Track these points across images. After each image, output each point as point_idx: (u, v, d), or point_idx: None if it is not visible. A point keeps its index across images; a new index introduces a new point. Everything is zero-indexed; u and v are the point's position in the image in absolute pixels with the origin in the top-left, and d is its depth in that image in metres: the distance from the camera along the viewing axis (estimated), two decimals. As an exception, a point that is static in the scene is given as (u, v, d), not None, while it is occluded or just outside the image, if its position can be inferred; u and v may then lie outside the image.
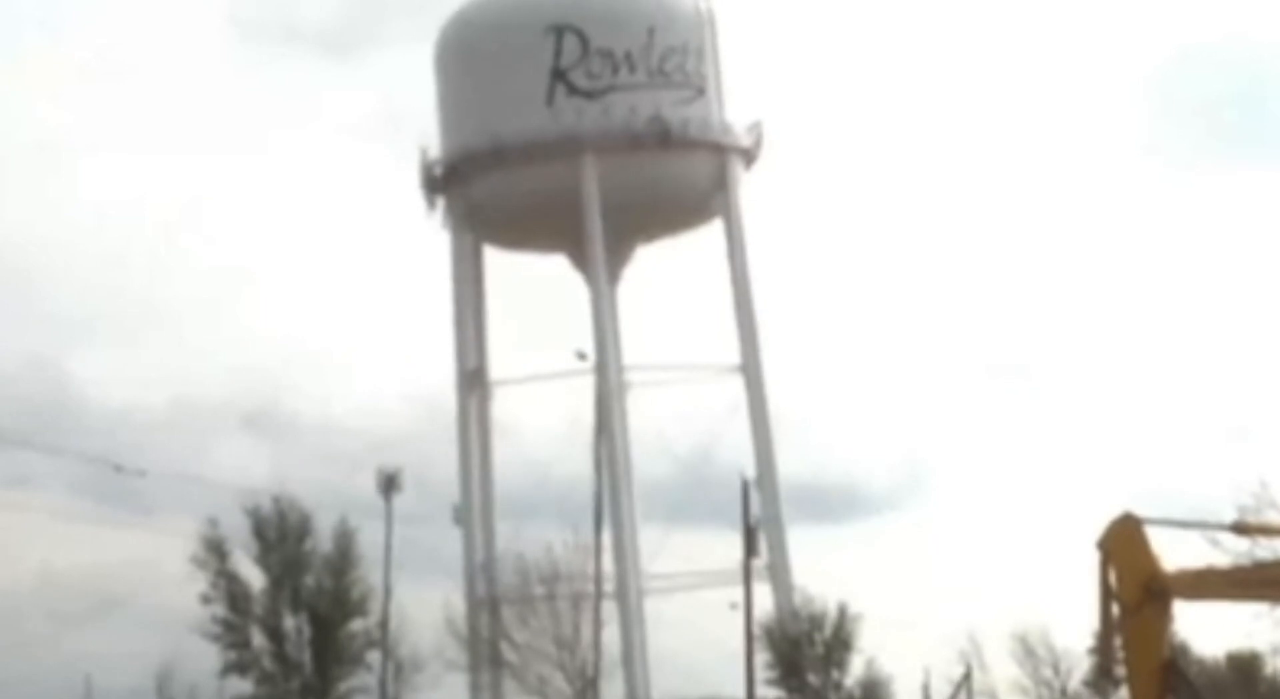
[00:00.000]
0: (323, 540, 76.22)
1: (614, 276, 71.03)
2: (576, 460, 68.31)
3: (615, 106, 70.62)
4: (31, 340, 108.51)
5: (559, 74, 70.60)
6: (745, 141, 73.21)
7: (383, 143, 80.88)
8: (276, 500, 75.38)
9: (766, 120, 73.30)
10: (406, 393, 74.21)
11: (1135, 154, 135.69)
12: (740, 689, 72.47)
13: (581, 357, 68.80)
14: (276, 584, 75.35)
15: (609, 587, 71.46)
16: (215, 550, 74.73)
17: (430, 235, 71.18)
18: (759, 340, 71.19)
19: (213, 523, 74.43)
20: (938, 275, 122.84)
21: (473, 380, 70.54)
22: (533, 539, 68.83)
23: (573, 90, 70.40)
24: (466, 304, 71.63)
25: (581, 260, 70.28)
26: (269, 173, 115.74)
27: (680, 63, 72.43)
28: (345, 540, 77.03)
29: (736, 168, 73.28)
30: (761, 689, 76.66)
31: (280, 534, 75.49)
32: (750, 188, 73.32)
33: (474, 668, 68.91)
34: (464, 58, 71.85)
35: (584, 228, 68.78)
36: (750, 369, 70.95)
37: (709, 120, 72.15)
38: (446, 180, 70.46)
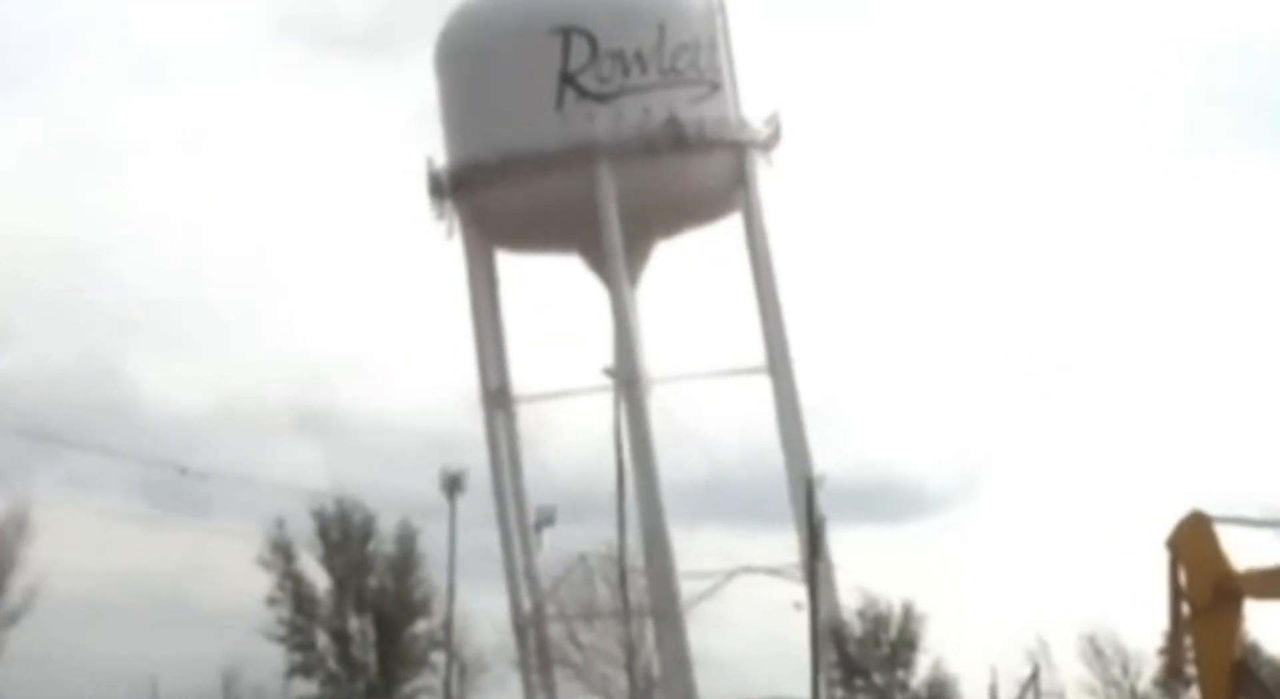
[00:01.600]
0: (385, 542, 76.49)
1: (633, 278, 69.40)
2: (609, 467, 67.48)
3: (628, 109, 68.11)
4: (86, 343, 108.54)
5: (568, 77, 67.89)
6: (763, 135, 71.22)
7: (416, 146, 79.47)
8: (339, 502, 75.65)
9: (784, 110, 71.40)
10: (453, 397, 73.63)
11: (1178, 142, 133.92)
12: (792, 689, 72.17)
13: (609, 373, 67.51)
14: (341, 586, 75.58)
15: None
16: (281, 552, 75.05)
17: (445, 241, 69.61)
18: (786, 337, 69.43)
19: (279, 524, 74.73)
20: (970, 265, 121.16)
21: (498, 397, 69.23)
22: (585, 544, 68.54)
23: (583, 94, 67.75)
24: (484, 316, 69.70)
25: (597, 262, 68.68)
26: (307, 175, 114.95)
27: (693, 59, 69.95)
28: (408, 542, 77.19)
29: (755, 162, 71.35)
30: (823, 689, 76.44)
31: (344, 536, 75.73)
32: (770, 180, 71.63)
33: (524, 669, 68.55)
34: (467, 63, 69.25)
35: (600, 233, 67.14)
36: (778, 368, 69.39)
37: (725, 117, 70.12)
38: (454, 188, 68.64)
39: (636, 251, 69.27)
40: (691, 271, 70.57)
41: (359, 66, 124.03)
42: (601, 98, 67.79)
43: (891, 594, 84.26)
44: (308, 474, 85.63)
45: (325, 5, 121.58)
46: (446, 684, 75.51)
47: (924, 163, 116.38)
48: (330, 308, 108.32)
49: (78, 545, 75.56)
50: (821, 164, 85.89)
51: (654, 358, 69.29)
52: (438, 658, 76.25)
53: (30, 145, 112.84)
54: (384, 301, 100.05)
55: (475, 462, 71.92)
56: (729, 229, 70.69)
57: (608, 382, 67.48)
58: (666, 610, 68.20)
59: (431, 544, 76.18)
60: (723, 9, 70.59)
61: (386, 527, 76.15)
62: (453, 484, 73.53)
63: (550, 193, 66.52)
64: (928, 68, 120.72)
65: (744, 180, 69.63)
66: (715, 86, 70.20)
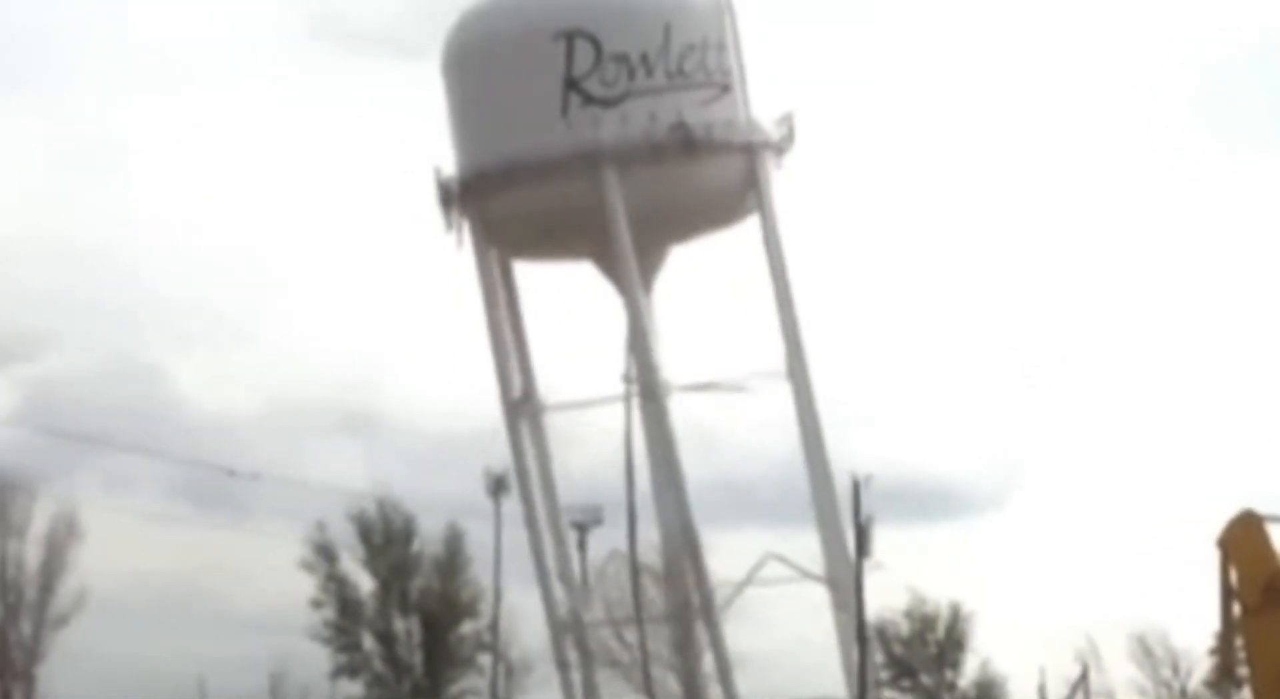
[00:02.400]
0: (430, 543, 76.55)
1: (647, 284, 67.94)
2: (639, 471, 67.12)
3: (634, 114, 65.99)
4: (122, 346, 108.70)
5: (572, 83, 65.72)
6: (775, 136, 69.49)
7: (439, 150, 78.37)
8: (380, 504, 75.71)
9: (797, 109, 69.60)
10: (491, 399, 72.73)
11: (1201, 136, 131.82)
12: (830, 690, 71.88)
13: (629, 380, 66.87)
14: (385, 587, 75.66)
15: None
16: (324, 554, 75.12)
17: (455, 251, 68.50)
18: (802, 341, 67.82)
19: (320, 527, 74.75)
20: (995, 260, 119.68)
21: (521, 405, 68.51)
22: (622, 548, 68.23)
23: (588, 99, 65.50)
24: (501, 324, 68.82)
25: (610, 269, 67.38)
26: (334, 179, 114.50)
27: (700, 60, 67.61)
28: (455, 543, 77.20)
29: (767, 164, 69.60)
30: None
31: (386, 537, 75.81)
32: (784, 182, 69.98)
33: (562, 673, 68.30)
34: (471, 70, 67.66)
35: (610, 239, 65.92)
36: (796, 372, 67.93)
37: (734, 120, 68.01)
38: (463, 198, 67.62)
39: (649, 257, 67.82)
40: (707, 276, 69.52)
41: (387, 68, 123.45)
42: (606, 102, 65.73)
43: (930, 594, 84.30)
44: (347, 476, 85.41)
45: (350, 5, 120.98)
46: (493, 685, 75.35)
47: (942, 160, 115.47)
48: (362, 311, 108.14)
49: (123, 547, 75.73)
50: (837, 164, 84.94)
51: (671, 363, 68.26)
52: (484, 659, 76.21)
53: (61, 150, 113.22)
54: (416, 305, 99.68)
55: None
56: (744, 232, 69.37)
57: (634, 387, 66.89)
58: (703, 612, 67.65)
59: (475, 545, 76.16)
60: (731, 8, 68.28)
61: (428, 528, 76.34)
62: (497, 485, 73.32)
63: (558, 200, 65.05)
64: (942, 65, 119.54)
65: (756, 183, 68.04)
66: (725, 88, 68.00)
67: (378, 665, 75.58)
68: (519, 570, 74.00)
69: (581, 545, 74.15)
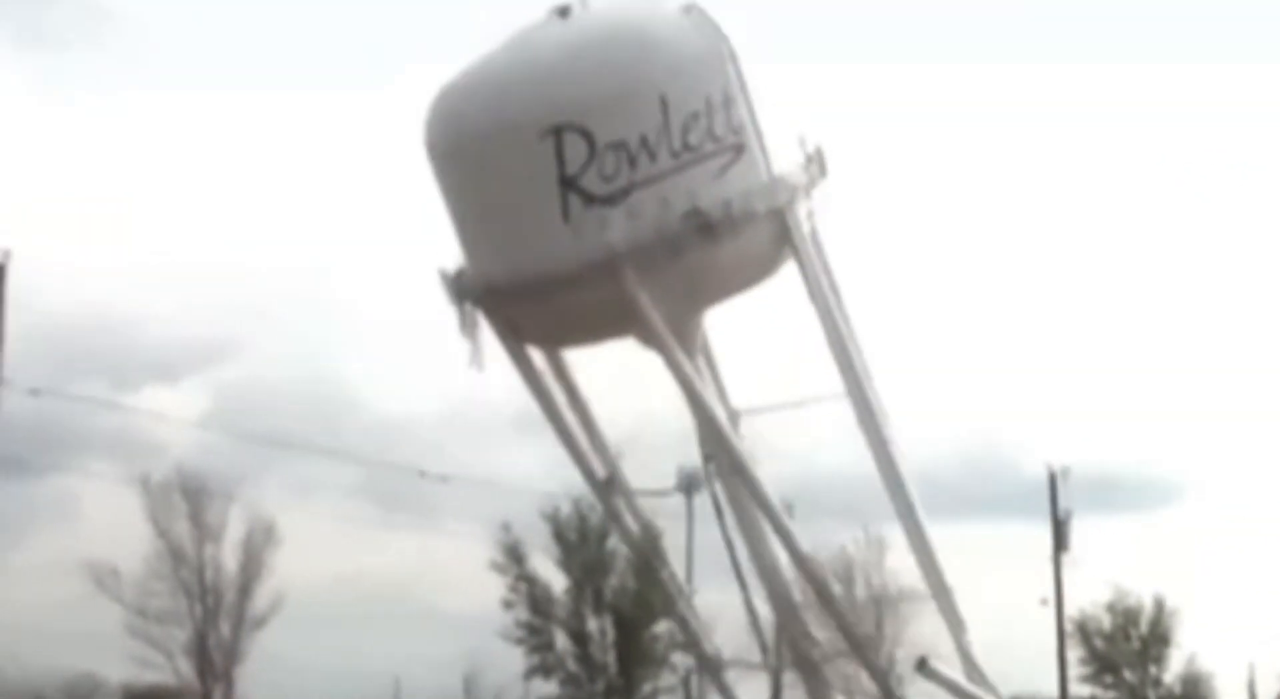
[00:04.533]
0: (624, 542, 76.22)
1: (690, 350, 63.37)
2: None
3: (642, 206, 57.60)
4: (306, 352, 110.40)
5: (568, 183, 57.24)
6: (803, 180, 62.83)
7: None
8: (575, 503, 75.48)
9: (824, 143, 63.17)
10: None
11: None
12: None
13: (708, 459, 64.96)
14: (578, 587, 75.46)
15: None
16: (513, 555, 75.02)
17: (478, 364, 64.46)
18: (854, 362, 63.44)
19: (505, 528, 74.72)
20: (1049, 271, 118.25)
21: (609, 487, 66.53)
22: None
23: (589, 199, 57.57)
24: (559, 415, 64.99)
25: (650, 341, 62.44)
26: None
27: (707, 127, 58.53)
28: (651, 542, 76.77)
29: (800, 214, 63.22)
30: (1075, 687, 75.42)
31: (581, 536, 75.59)
32: (821, 219, 64.39)
33: (707, 674, 68.05)
34: (455, 173, 59.18)
35: (642, 324, 60.95)
36: (855, 392, 63.55)
37: (754, 184, 60.25)
38: (476, 304, 62.56)
39: (690, 325, 63.35)
40: (753, 321, 66.02)
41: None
42: (610, 200, 57.72)
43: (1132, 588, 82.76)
44: (530, 477, 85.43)
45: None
46: (686, 683, 75.07)
47: (996, 173, 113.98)
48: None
49: (317, 549, 76.69)
50: (875, 189, 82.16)
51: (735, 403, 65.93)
52: (678, 658, 75.91)
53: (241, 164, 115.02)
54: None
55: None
56: (785, 275, 64.83)
57: (713, 466, 65.84)
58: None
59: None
60: (733, 55, 59.38)
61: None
62: (689, 483, 72.97)
63: (578, 307, 59.67)
64: (971, 78, 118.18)
65: (789, 237, 62.47)
66: (739, 149, 59.69)
67: (571, 665, 75.49)
68: (713, 568, 73.94)
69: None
